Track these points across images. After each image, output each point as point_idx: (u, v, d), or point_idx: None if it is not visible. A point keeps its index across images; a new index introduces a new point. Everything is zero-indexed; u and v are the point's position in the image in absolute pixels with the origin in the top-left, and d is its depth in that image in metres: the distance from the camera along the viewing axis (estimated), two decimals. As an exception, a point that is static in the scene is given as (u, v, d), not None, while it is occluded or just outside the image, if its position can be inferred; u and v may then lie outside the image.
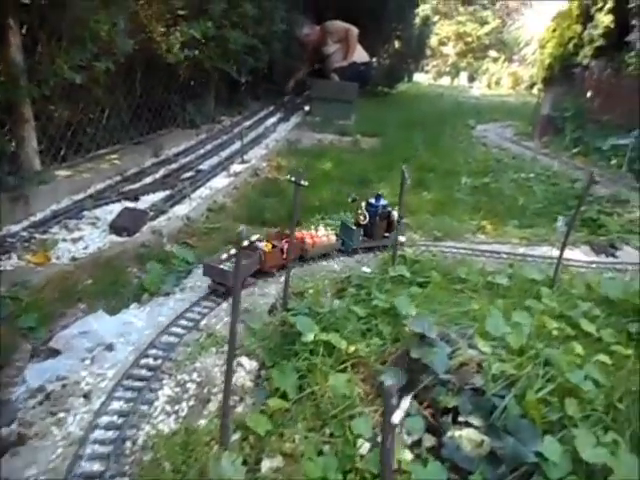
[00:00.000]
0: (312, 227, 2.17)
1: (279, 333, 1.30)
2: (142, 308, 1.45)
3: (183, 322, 1.38)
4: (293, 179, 1.38)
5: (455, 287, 1.66)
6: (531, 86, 10.49)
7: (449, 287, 1.69)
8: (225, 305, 1.51)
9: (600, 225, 2.93)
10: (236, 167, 3.62)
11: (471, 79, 11.08)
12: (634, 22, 7.55)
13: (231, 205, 2.88)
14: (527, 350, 1.10)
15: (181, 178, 3.19)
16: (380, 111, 6.59)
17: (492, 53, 13.89)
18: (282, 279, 1.57)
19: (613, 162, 4.00)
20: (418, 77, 9.77)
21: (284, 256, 1.78)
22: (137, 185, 2.99)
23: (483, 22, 13.49)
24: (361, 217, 2.05)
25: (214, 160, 3.72)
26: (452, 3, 13.19)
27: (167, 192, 2.90)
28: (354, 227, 2.03)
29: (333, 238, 2.04)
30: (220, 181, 3.25)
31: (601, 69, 5.40)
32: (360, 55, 6.42)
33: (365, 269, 1.70)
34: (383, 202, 2.08)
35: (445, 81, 11.89)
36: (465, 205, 3.08)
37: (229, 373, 0.93)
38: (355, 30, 5.99)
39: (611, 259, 2.28)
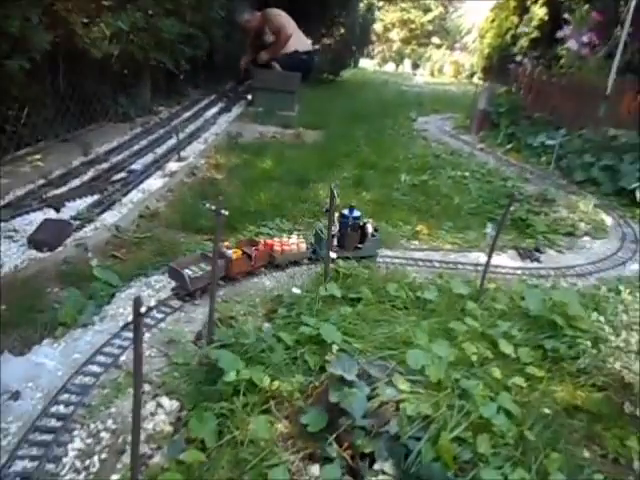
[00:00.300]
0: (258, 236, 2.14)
1: (201, 370, 1.26)
2: (56, 344, 1.36)
3: (101, 359, 1.31)
4: (213, 208, 1.32)
5: (385, 306, 1.68)
6: (471, 75, 10.75)
7: (379, 305, 1.70)
8: (147, 336, 1.45)
9: (528, 225, 3.06)
10: (172, 166, 3.47)
11: (415, 66, 11.20)
12: (566, 16, 7.88)
13: (165, 210, 2.77)
14: (445, 383, 1.13)
15: (111, 180, 3.03)
16: (324, 101, 6.55)
17: (435, 40, 14.09)
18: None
19: (543, 159, 4.17)
20: (364, 63, 9.74)
21: (252, 263, 1.87)
22: (62, 190, 2.81)
23: (426, 9, 13.62)
24: (333, 228, 1.99)
25: (149, 158, 3.55)
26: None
27: (95, 197, 2.76)
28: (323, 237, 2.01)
29: (303, 247, 2.08)
30: (154, 182, 3.11)
31: (533, 65, 5.58)
32: (302, 43, 6.30)
33: (295, 290, 1.68)
34: (356, 214, 2.07)
35: (390, 67, 11.95)
36: (403, 206, 3.12)
37: (136, 422, 0.88)
38: (287, 27, 5.85)
39: (535, 264, 2.38)
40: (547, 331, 1.59)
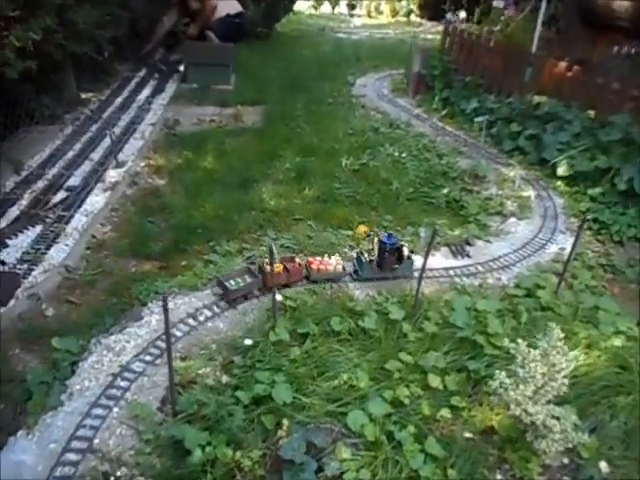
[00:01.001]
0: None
1: (171, 446, 1.42)
2: (30, 436, 1.48)
3: (76, 445, 1.45)
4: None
5: (330, 340, 1.87)
6: (408, 13, 10.55)
7: (325, 339, 1.89)
8: (116, 410, 1.58)
9: (462, 206, 3.28)
10: (111, 174, 3.42)
11: (351, 7, 10.82)
12: None
13: (112, 235, 2.80)
14: (380, 439, 1.35)
15: (51, 205, 2.98)
16: (260, 64, 6.35)
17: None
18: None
19: (475, 125, 4.32)
20: (299, 5, 9.34)
21: (288, 277, 2.22)
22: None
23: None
24: (371, 253, 2.41)
25: (86, 167, 3.47)
26: None
27: (37, 229, 2.73)
28: (366, 262, 2.36)
29: (340, 267, 2.35)
30: (96, 200, 3.07)
31: (461, 21, 5.58)
32: (232, 6, 6.00)
33: (247, 341, 1.83)
34: (392, 240, 2.37)
35: (326, 8, 11.50)
36: (345, 200, 3.25)
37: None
38: (213, 2, 5.54)
39: (466, 260, 2.61)
40: (471, 351, 1.84)
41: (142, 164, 3.65)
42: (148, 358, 1.82)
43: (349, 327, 1.93)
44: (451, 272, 2.49)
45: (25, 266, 2.43)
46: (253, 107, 4.93)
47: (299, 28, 9.08)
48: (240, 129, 4.37)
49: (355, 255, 2.45)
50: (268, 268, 2.09)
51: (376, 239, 2.42)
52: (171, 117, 4.51)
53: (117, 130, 4.10)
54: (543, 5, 4.57)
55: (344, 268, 2.37)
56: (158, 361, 1.81)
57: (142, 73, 5.73)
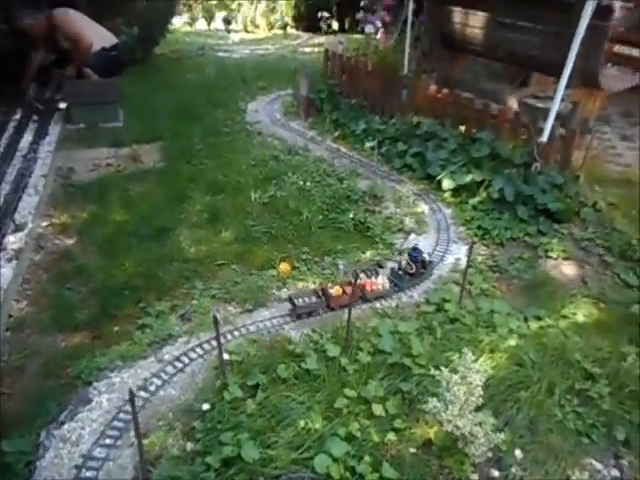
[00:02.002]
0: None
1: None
2: None
3: None
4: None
5: (279, 387, 2.06)
6: (284, 26, 10.86)
7: (275, 387, 2.07)
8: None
9: (368, 227, 3.62)
10: (12, 240, 3.24)
11: (227, 22, 10.86)
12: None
13: (31, 311, 2.70)
14: (345, 478, 1.57)
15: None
16: (145, 93, 6.22)
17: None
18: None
19: (366, 145, 4.71)
20: (174, 21, 9.17)
21: (348, 298, 2.50)
22: None
23: (224, -47, 12.98)
24: (409, 267, 2.90)
25: (-19, 236, 3.26)
26: None
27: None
28: (404, 275, 2.88)
29: (387, 285, 2.78)
30: (3, 273, 2.91)
31: (344, 47, 5.98)
32: (106, 38, 5.76)
33: (204, 406, 1.95)
34: (417, 253, 2.91)
35: (202, 24, 11.41)
36: (262, 237, 3.41)
37: None
38: (85, 31, 5.32)
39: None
40: (402, 373, 2.14)
41: (44, 224, 3.50)
42: (108, 441, 1.86)
43: (294, 371, 2.13)
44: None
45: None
46: (149, 144, 4.87)
47: (177, 48, 8.92)
48: (141, 172, 4.32)
49: (390, 272, 2.92)
50: (331, 291, 2.56)
51: (406, 255, 2.98)
52: (63, 165, 4.33)
53: (6, 187, 3.86)
54: (408, 30, 5.09)
55: (390, 286, 2.81)
56: (119, 442, 1.86)
57: (18, 115, 5.35)
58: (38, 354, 2.41)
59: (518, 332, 2.41)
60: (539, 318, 2.57)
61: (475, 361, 1.99)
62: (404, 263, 2.94)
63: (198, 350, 2.33)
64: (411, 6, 4.96)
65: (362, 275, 3.00)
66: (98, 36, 5.58)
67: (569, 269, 3.12)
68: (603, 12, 3.23)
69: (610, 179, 3.82)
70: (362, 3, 8.91)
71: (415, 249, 2.94)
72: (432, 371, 1.80)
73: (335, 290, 2.59)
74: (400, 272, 2.88)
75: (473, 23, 4.33)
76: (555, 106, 3.39)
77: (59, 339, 2.53)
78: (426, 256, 2.97)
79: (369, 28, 5.51)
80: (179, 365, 2.23)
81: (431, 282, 2.96)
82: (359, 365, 2.18)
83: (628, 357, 2.20)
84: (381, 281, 2.77)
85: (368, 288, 2.72)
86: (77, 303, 2.74)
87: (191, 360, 2.27)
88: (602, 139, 4.65)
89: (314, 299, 2.59)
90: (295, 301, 2.54)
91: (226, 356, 2.16)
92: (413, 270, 2.89)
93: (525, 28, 3.86)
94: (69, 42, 5.45)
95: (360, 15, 5.90)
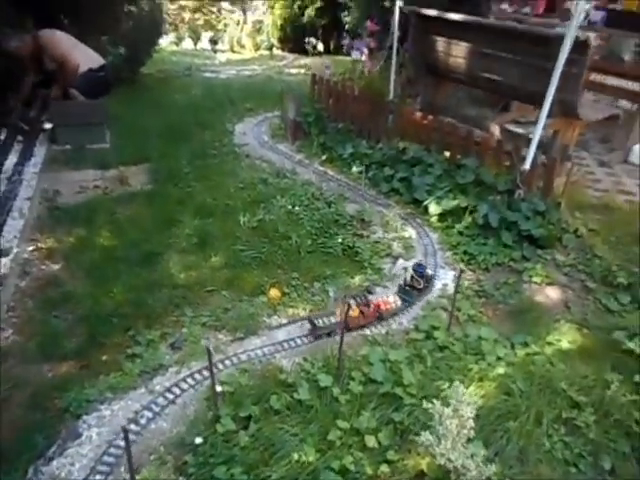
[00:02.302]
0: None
1: None
2: None
3: None
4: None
5: (272, 419, 2.06)
6: (270, 48, 11.01)
7: (267, 418, 2.08)
8: None
9: (357, 252, 3.66)
10: (-3, 265, 3.21)
11: (214, 42, 10.96)
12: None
13: (16, 340, 2.66)
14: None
15: None
16: (132, 114, 6.23)
17: (225, 5, 13.83)
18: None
19: (354, 169, 4.79)
20: (162, 40, 9.21)
21: (365, 319, 2.76)
22: None
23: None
24: (417, 283, 3.09)
25: (-36, 262, 3.21)
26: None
27: None
28: (411, 290, 3.08)
29: (399, 302, 2.95)
30: (-13, 300, 2.89)
31: (331, 72, 6.10)
32: (93, 59, 5.74)
33: (197, 440, 1.95)
34: (422, 269, 3.13)
35: (188, 44, 11.50)
36: (251, 262, 3.42)
37: None
38: (71, 52, 5.30)
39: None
40: (393, 403, 2.16)
41: (29, 248, 3.46)
42: (99, 477, 1.84)
43: (286, 402, 2.14)
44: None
45: None
46: (137, 166, 4.86)
47: (164, 68, 8.96)
48: (129, 194, 4.30)
49: (398, 290, 3.10)
50: (351, 312, 2.65)
51: (412, 271, 3.15)
52: (49, 187, 4.30)
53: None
54: (394, 57, 5.22)
55: (402, 303, 2.98)
56: (110, 478, 1.84)
57: (2, 136, 5.30)
58: (25, 385, 2.37)
59: (506, 360, 2.46)
60: (525, 344, 2.62)
61: (465, 390, 2.04)
62: (409, 279, 3.12)
63: (189, 380, 2.32)
64: (396, 33, 5.10)
65: (352, 302, 3.05)
66: (85, 57, 5.58)
67: (553, 294, 3.19)
68: (581, 47, 3.37)
69: (590, 205, 3.93)
70: (347, 27, 9.16)
71: (420, 265, 3.15)
72: (425, 404, 1.83)
73: (353, 311, 2.70)
74: (407, 288, 3.08)
75: (456, 53, 4.46)
76: (537, 135, 3.51)
77: (46, 369, 2.49)
78: (429, 271, 3.20)
79: (355, 54, 5.64)
80: (170, 396, 2.22)
81: (419, 308, 3.01)
82: (351, 395, 2.19)
83: (612, 385, 2.26)
84: (393, 299, 2.94)
85: (383, 307, 2.86)
86: (64, 331, 2.71)
87: (182, 391, 2.26)
88: (581, 164, 4.79)
89: (333, 320, 2.69)
90: (315, 322, 2.65)
91: (218, 387, 2.16)
92: (421, 285, 3.09)
93: (506, 59, 4.00)
94: (55, 63, 5.44)
95: (346, 41, 6.02)
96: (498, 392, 2.22)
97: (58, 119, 5.15)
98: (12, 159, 4.82)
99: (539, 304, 3.11)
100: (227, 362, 2.46)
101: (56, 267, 3.29)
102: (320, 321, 2.67)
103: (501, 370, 2.35)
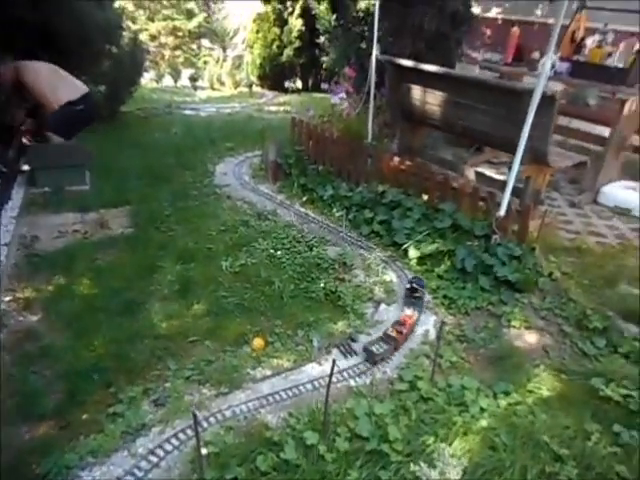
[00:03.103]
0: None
1: None
2: None
3: None
4: None
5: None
6: (250, 85, 11.22)
7: (255, 481, 2.05)
8: None
9: (339, 297, 3.69)
10: (-28, 318, 3.14)
11: (194, 80, 11.13)
12: (319, 26, 8.87)
13: (-7, 399, 2.58)
14: None
15: None
16: (112, 153, 6.23)
17: (205, 42, 14.10)
18: None
19: (334, 210, 4.87)
20: (142, 79, 9.27)
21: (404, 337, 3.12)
22: None
23: (190, 15, 13.46)
24: (420, 292, 3.50)
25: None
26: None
27: None
28: (417, 300, 3.49)
29: (417, 313, 3.38)
30: (-38, 357, 2.81)
31: (309, 110, 6.24)
32: (73, 90, 5.60)
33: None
34: (421, 280, 3.59)
35: (168, 81, 11.63)
36: (235, 310, 3.42)
37: None
38: (50, 93, 5.25)
39: (355, 359, 2.98)
40: (380, 460, 2.16)
41: (6, 298, 3.39)
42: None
43: (273, 462, 2.12)
44: (345, 374, 2.83)
45: None
46: (117, 209, 4.85)
47: (144, 106, 9.02)
48: (109, 239, 4.28)
49: (405, 302, 3.50)
50: (397, 336, 3.04)
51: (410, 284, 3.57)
52: (27, 232, 4.25)
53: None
54: (371, 101, 5.40)
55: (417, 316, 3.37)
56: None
57: (-23, 178, 5.23)
58: (1, 449, 2.30)
59: (489, 411, 2.49)
60: (507, 394, 2.66)
61: (449, 445, 2.06)
62: (410, 288, 3.54)
63: (173, 441, 2.28)
64: (373, 79, 5.30)
65: (335, 350, 3.07)
66: (65, 89, 5.45)
67: (531, 338, 3.27)
68: (549, 100, 3.56)
69: (563, 247, 4.07)
70: (324, 66, 9.44)
71: (417, 277, 3.61)
72: (412, 466, 1.84)
73: (395, 334, 3.07)
74: (414, 299, 3.47)
75: (431, 100, 4.64)
76: (510, 183, 3.66)
77: (23, 430, 2.42)
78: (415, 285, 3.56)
79: (335, 99, 5.81)
80: (154, 459, 2.18)
81: (402, 356, 3.04)
82: (337, 453, 2.19)
83: (592, 436, 2.31)
84: (411, 312, 3.35)
85: (409, 322, 3.22)
86: (43, 388, 2.65)
87: (166, 453, 2.22)
88: (552, 205, 4.98)
89: (385, 346, 2.98)
90: (373, 349, 2.93)
91: (203, 450, 2.13)
92: (425, 295, 3.55)
93: (478, 108, 4.18)
94: (33, 99, 5.40)
95: (326, 85, 6.20)
96: (482, 446, 2.24)
97: (37, 161, 5.12)
98: (-11, 203, 4.77)
99: (518, 349, 3.18)
100: (212, 419, 2.43)
101: (34, 318, 3.23)
102: (375, 348, 2.95)
103: (484, 423, 2.38)
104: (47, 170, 5.07)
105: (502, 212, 3.72)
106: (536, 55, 5.27)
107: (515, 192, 3.88)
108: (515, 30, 5.57)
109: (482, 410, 2.49)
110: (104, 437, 2.30)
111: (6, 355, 2.90)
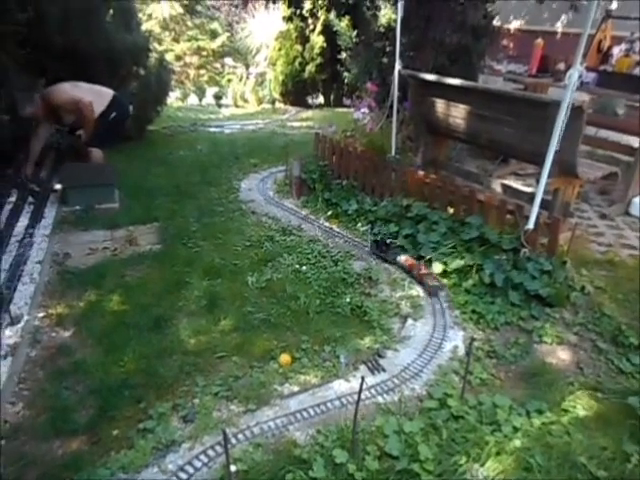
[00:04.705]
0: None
1: None
2: None
3: None
4: None
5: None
6: (273, 102, 11.38)
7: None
8: None
9: (365, 312, 3.67)
10: (7, 334, 3.21)
11: (218, 98, 11.35)
12: (340, 42, 8.99)
13: (27, 414, 2.63)
14: None
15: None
16: (140, 171, 6.38)
17: (228, 61, 14.41)
18: None
19: (358, 225, 4.87)
20: (168, 98, 9.48)
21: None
22: None
23: (213, 34, 13.80)
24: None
25: (-25, 332, 3.22)
26: (179, 17, 13.07)
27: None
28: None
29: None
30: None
31: (332, 126, 6.30)
32: (103, 99, 5.83)
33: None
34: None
35: (193, 100, 11.89)
36: (261, 326, 3.42)
37: None
38: (85, 100, 5.49)
39: (383, 375, 2.95)
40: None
41: (40, 315, 3.48)
42: None
43: (301, 481, 2.10)
44: (372, 391, 2.80)
45: None
46: (145, 226, 4.95)
47: (170, 124, 9.23)
48: (138, 255, 4.36)
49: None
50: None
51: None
52: (59, 250, 4.36)
53: (1, 276, 3.85)
54: (394, 115, 5.41)
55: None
56: None
57: (13, 198, 5.41)
58: (35, 464, 2.34)
59: (522, 430, 2.42)
60: (541, 412, 2.59)
61: (482, 465, 2.01)
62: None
63: (202, 458, 2.29)
64: (396, 94, 5.31)
65: (362, 367, 3.04)
66: (94, 96, 5.68)
67: (564, 355, 3.18)
68: (576, 111, 3.51)
69: (594, 260, 3.98)
70: (346, 81, 9.53)
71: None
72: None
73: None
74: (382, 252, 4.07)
75: (455, 113, 4.63)
76: (539, 196, 3.60)
77: (56, 445, 2.46)
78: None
79: (357, 115, 5.85)
80: (183, 476, 2.18)
81: (431, 372, 2.99)
82: (367, 472, 2.16)
83: (631, 457, 2.22)
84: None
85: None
86: (74, 404, 2.69)
87: (196, 470, 2.22)
88: (582, 217, 4.88)
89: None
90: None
91: (232, 467, 2.13)
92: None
93: (504, 121, 4.15)
94: (72, 115, 5.61)
95: (349, 101, 6.25)
96: (517, 467, 2.18)
97: (69, 180, 5.28)
98: (23, 221, 4.91)
99: (551, 365, 3.09)
100: (240, 436, 2.43)
101: (66, 334, 3.30)
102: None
103: (518, 442, 2.32)
104: (78, 189, 5.22)
105: (531, 225, 3.66)
106: (562, 66, 5.21)
107: (543, 205, 3.81)
108: (539, 41, 5.54)
109: (515, 429, 2.43)
110: (135, 453, 2.32)
111: (39, 370, 2.96)
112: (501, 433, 2.40)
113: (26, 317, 3.38)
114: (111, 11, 7.55)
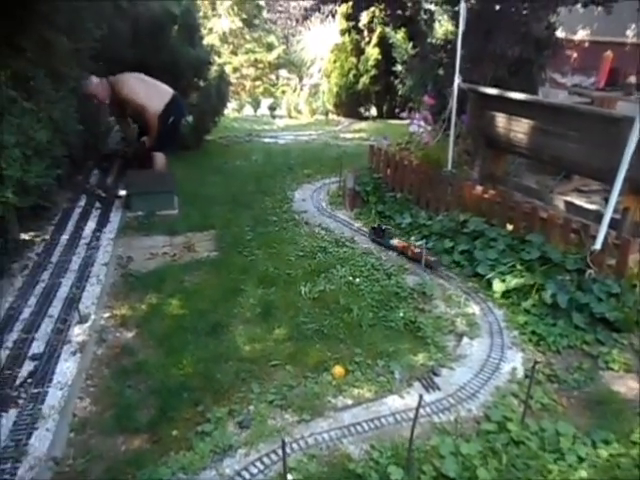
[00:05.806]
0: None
1: None
2: None
3: None
4: None
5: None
6: (326, 113, 11.51)
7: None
8: None
9: (419, 327, 3.61)
10: (76, 332, 3.38)
11: (272, 109, 11.60)
12: (395, 54, 9.00)
13: (93, 410, 2.77)
14: None
15: (19, 384, 2.89)
16: (197, 180, 6.59)
17: (283, 73, 14.74)
18: None
19: (412, 238, 4.81)
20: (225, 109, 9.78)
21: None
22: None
23: (270, 47, 14.18)
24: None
25: (47, 326, 3.40)
26: (238, 31, 13.52)
27: (10, 414, 2.64)
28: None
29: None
30: (67, 367, 3.01)
31: (386, 139, 6.30)
32: (164, 94, 6.02)
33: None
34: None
35: (249, 111, 12.21)
36: (314, 336, 3.44)
37: None
38: (152, 111, 5.77)
39: (437, 394, 2.89)
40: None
41: (106, 315, 3.65)
42: None
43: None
44: (427, 409, 2.75)
45: (9, 465, 2.35)
46: (203, 233, 5.11)
47: (226, 135, 9.51)
48: (195, 262, 4.50)
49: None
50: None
51: None
52: (123, 253, 4.58)
53: (71, 276, 4.09)
54: (452, 129, 5.34)
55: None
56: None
57: (82, 202, 5.73)
58: (100, 458, 2.45)
59: (588, 461, 2.31)
60: (608, 443, 2.46)
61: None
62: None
63: (258, 464, 2.32)
64: (454, 107, 5.25)
65: (417, 383, 3.00)
66: (158, 94, 5.94)
67: (633, 383, 3.01)
68: (650, 127, 3.34)
69: (666, 284, 3.75)
70: (400, 92, 9.52)
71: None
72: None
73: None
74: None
75: (516, 128, 4.52)
76: (608, 215, 3.44)
77: (120, 441, 2.57)
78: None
79: (413, 127, 5.82)
80: (240, 481, 2.23)
81: (489, 394, 2.90)
82: (424, 494, 2.12)
83: None
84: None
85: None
86: (136, 402, 2.80)
87: (252, 476, 2.25)
88: (652, 238, 4.61)
89: None
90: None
91: (289, 476, 2.15)
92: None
93: (569, 136, 4.01)
94: (134, 110, 5.92)
95: (405, 113, 6.24)
96: (583, 500, 2.08)
97: (132, 187, 5.54)
98: (91, 225, 5.19)
99: (618, 394, 2.93)
100: (294, 445, 2.45)
101: (129, 335, 3.44)
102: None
103: (584, 473, 2.21)
104: (141, 195, 5.47)
105: (598, 245, 3.50)
106: (632, 79, 4.99)
107: (612, 224, 3.64)
108: (609, 54, 5.32)
109: (580, 459, 2.31)
110: (194, 455, 2.38)
111: (105, 369, 3.11)
112: (565, 462, 2.30)
113: (93, 316, 3.55)
114: (176, 27, 7.93)
